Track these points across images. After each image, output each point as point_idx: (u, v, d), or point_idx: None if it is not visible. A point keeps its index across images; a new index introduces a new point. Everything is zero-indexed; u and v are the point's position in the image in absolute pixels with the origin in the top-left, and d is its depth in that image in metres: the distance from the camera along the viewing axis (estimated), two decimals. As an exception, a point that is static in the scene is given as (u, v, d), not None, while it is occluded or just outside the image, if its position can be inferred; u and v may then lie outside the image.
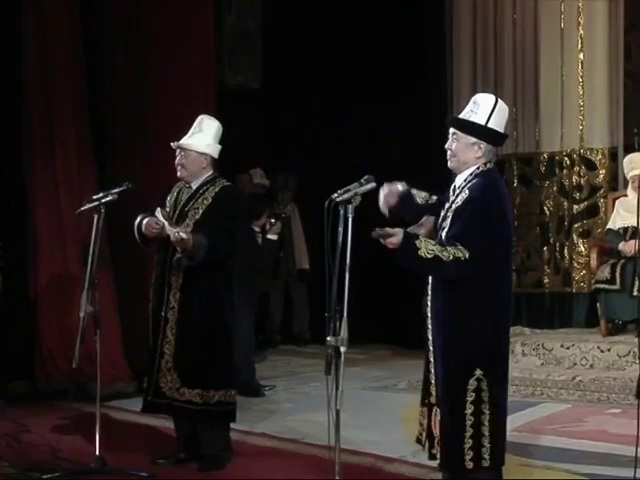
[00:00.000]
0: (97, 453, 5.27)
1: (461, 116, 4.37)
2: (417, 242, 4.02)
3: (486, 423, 4.13)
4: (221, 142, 5.57)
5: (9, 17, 7.66)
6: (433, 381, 4.30)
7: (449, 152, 4.33)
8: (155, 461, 5.48)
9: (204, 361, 5.33)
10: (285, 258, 10.40)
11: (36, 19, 7.66)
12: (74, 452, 5.61)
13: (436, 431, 4.28)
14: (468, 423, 4.12)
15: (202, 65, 7.98)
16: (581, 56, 9.44)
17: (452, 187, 4.38)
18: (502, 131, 4.36)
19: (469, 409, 4.12)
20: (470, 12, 10.02)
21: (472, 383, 4.12)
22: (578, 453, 5.51)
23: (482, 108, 4.30)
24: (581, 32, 9.44)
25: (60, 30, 7.72)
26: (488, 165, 4.31)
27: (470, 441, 4.11)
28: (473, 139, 4.28)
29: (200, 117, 5.57)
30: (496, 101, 4.33)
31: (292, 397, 7.63)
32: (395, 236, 3.96)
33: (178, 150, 5.45)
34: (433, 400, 4.31)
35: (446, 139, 4.38)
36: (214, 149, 5.50)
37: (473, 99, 4.38)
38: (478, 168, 4.29)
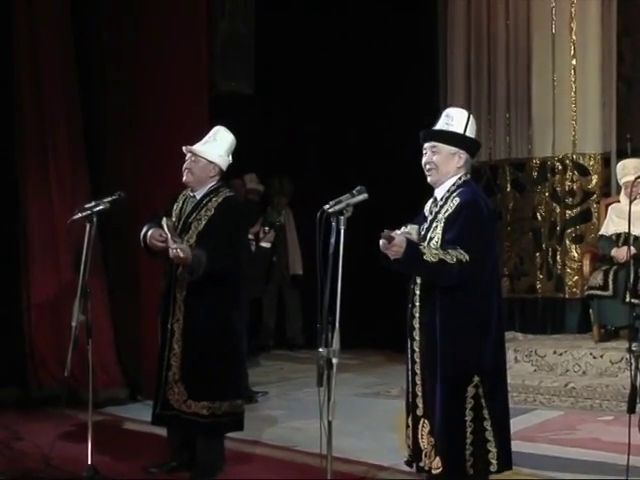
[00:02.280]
0: (89, 462, 5.23)
1: (437, 128, 4.41)
2: (421, 247, 4.07)
3: (489, 428, 4.16)
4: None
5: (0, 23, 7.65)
6: (420, 393, 4.31)
7: (428, 165, 4.36)
8: (147, 469, 5.46)
9: (210, 373, 5.30)
10: (279, 263, 10.39)
11: (27, 27, 7.64)
12: (66, 460, 5.59)
13: (423, 444, 4.29)
14: (468, 430, 4.14)
15: (195, 70, 7.95)
16: (574, 61, 9.45)
17: (432, 200, 4.41)
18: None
19: (469, 416, 4.15)
20: (464, 18, 10.04)
21: (470, 390, 4.15)
22: (570, 461, 5.51)
23: (457, 120, 4.37)
24: (574, 37, 9.45)
25: (51, 38, 7.71)
26: (468, 176, 4.37)
27: (471, 448, 4.14)
28: (454, 149, 4.33)
29: (216, 127, 5.56)
30: (469, 113, 4.43)
31: (284, 404, 7.62)
32: (396, 239, 3.98)
33: (188, 155, 5.43)
34: (420, 412, 4.32)
35: None
36: (224, 161, 5.49)
37: (445, 113, 4.44)
38: (460, 179, 4.34)
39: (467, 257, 4.05)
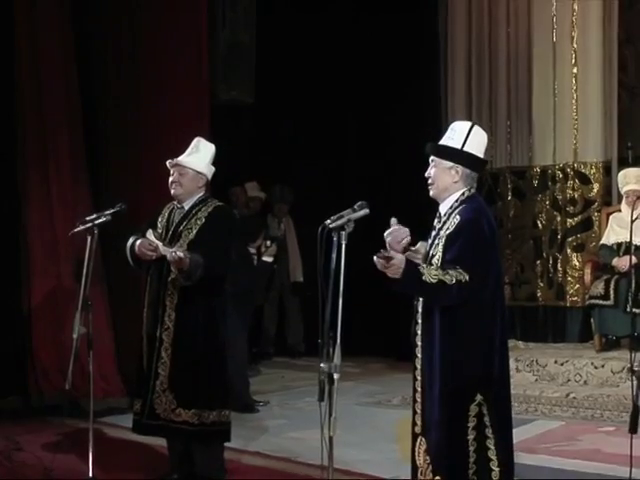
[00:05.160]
0: (90, 474, 5.23)
1: (440, 143, 4.37)
2: (420, 267, 4.02)
3: (492, 447, 4.11)
4: (216, 156, 5.59)
5: (1, 32, 7.64)
6: (419, 411, 4.27)
7: (429, 180, 4.33)
8: (148, 482, 5.48)
9: (200, 381, 5.31)
10: (279, 271, 10.37)
11: (29, 35, 7.65)
12: (67, 471, 5.59)
13: (419, 461, 4.26)
14: (471, 449, 4.08)
15: (196, 79, 7.97)
16: (575, 70, 9.44)
17: (437, 215, 4.38)
18: (480, 156, 4.36)
19: (471, 435, 4.08)
20: (465, 26, 10.03)
21: (473, 409, 4.09)
22: (571, 473, 5.50)
23: (458, 133, 4.31)
24: (575, 46, 9.44)
25: (53, 46, 7.72)
26: (472, 191, 4.32)
27: (474, 466, 4.08)
28: (449, 163, 4.27)
29: (197, 139, 5.58)
30: (472, 126, 4.34)
31: (286, 413, 7.62)
32: (395, 259, 3.95)
33: (174, 168, 5.44)
34: (418, 430, 4.28)
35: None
36: (210, 170, 5.52)
37: (451, 126, 4.38)
38: (463, 194, 4.28)
39: (467, 277, 3.99)
